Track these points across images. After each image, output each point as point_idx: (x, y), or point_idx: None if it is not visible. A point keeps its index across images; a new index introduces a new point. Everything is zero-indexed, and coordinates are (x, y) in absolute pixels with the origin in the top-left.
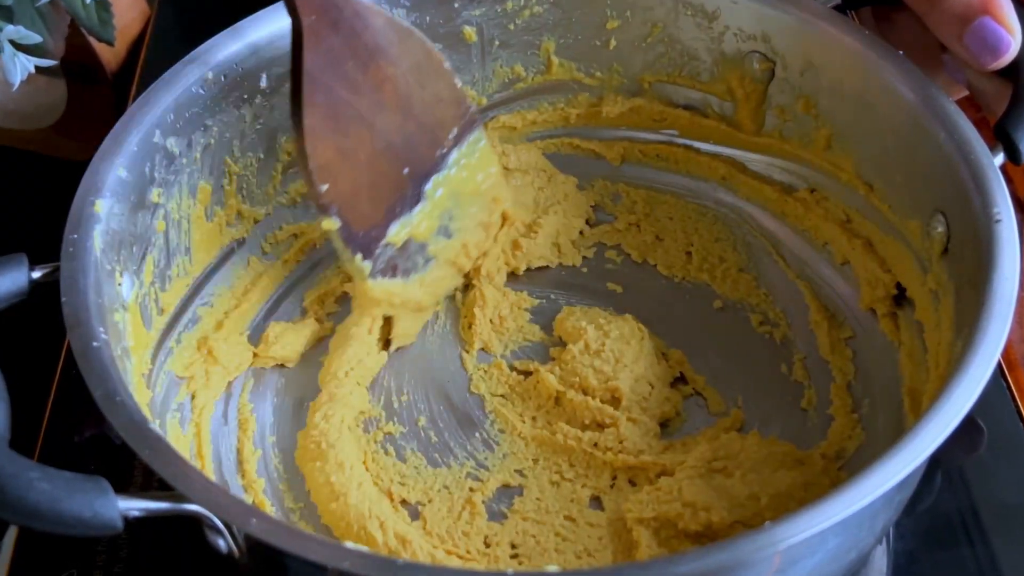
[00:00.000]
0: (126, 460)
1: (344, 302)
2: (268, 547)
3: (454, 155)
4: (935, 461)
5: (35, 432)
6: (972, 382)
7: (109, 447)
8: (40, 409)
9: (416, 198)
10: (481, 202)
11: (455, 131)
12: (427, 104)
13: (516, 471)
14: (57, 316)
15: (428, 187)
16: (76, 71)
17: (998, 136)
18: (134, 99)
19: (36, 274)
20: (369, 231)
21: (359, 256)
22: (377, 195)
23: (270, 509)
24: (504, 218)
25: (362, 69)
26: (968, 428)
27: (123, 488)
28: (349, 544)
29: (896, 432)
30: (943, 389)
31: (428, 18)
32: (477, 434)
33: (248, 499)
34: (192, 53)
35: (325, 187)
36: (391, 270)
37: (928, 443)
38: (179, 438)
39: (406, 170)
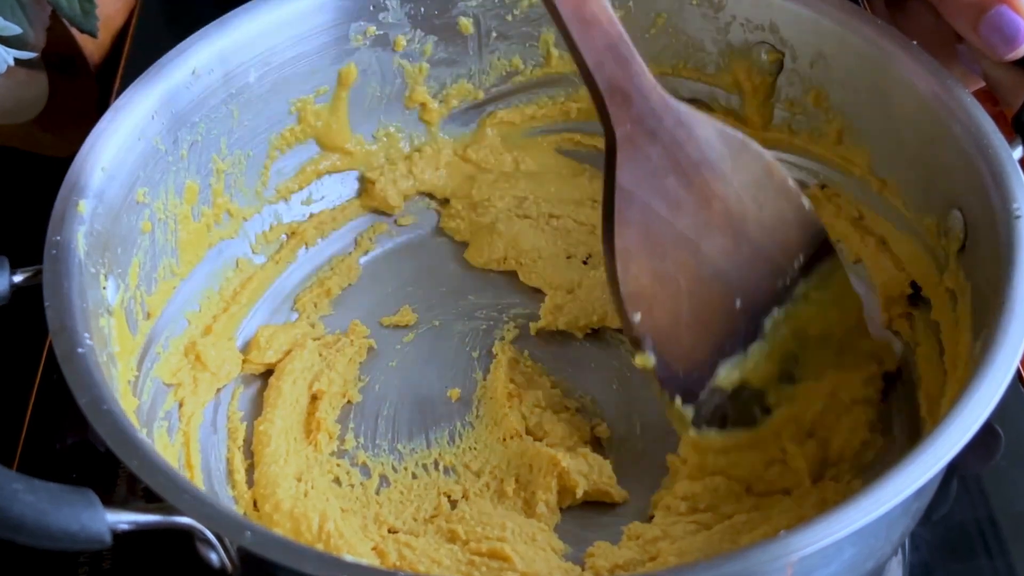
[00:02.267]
0: (109, 468)
1: (338, 304)
2: (263, 561)
3: (800, 287)
4: (951, 468)
5: (15, 439)
6: (993, 384)
7: (91, 454)
8: (20, 416)
9: (751, 335)
10: (836, 347)
11: (801, 258)
12: (766, 226)
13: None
14: (36, 320)
15: (766, 323)
16: (58, 63)
17: (1016, 129)
18: (118, 92)
19: (18, 278)
20: (691, 371)
21: (679, 400)
22: (701, 329)
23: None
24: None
25: (685, 184)
26: (985, 434)
27: (106, 496)
28: (348, 557)
29: (913, 436)
30: (963, 392)
31: (423, 8)
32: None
33: (239, 510)
34: (178, 47)
35: (638, 317)
36: (719, 420)
37: (948, 448)
38: (167, 447)
39: (738, 302)
